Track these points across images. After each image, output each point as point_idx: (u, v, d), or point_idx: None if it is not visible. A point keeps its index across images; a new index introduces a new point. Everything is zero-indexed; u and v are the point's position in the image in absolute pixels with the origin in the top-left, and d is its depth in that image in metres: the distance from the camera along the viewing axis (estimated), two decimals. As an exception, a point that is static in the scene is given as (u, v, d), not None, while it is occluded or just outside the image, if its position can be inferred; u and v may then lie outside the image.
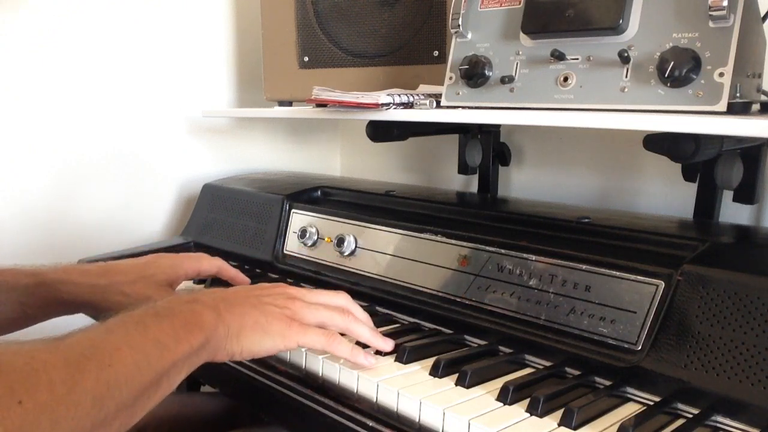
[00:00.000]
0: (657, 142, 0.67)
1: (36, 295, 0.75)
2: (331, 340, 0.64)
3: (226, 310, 0.59)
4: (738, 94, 0.61)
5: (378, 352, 0.69)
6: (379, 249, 0.87)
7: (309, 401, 0.64)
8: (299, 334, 0.63)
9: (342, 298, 0.71)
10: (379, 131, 0.96)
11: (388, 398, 0.61)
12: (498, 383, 0.61)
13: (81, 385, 0.44)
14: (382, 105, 0.81)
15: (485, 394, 0.60)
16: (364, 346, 0.68)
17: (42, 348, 0.45)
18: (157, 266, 0.81)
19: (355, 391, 0.64)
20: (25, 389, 0.40)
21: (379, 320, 0.78)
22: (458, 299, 0.76)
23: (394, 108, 0.82)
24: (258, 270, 1.02)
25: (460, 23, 0.78)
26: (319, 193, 1.08)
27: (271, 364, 0.71)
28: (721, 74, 0.61)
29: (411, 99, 0.84)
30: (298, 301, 0.66)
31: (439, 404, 0.57)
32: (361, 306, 0.73)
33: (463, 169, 1.15)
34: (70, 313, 0.79)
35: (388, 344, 0.69)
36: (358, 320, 0.68)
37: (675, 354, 0.58)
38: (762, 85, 0.70)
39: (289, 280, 0.96)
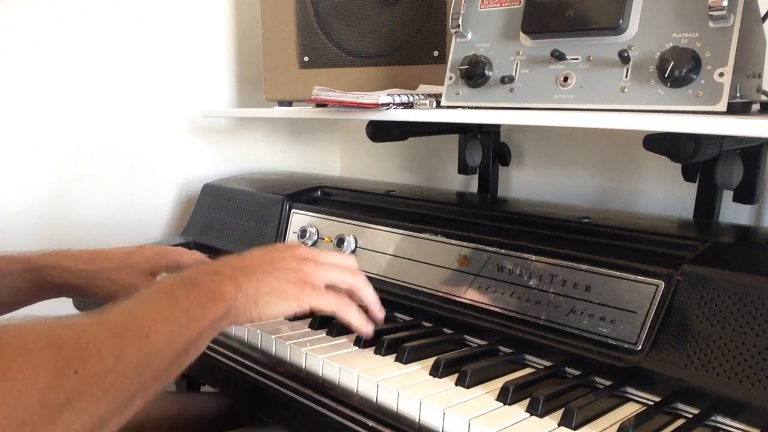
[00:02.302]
0: (657, 142, 0.67)
1: (28, 280, 0.78)
2: (342, 305, 0.68)
3: (243, 279, 0.63)
4: (738, 94, 0.61)
5: (378, 350, 0.69)
6: (379, 249, 0.87)
7: (309, 401, 0.64)
8: (312, 296, 0.66)
9: (351, 260, 0.74)
10: (379, 131, 0.96)
11: (388, 398, 0.61)
12: (498, 383, 0.61)
13: (125, 355, 0.47)
14: (382, 105, 0.81)
15: (485, 394, 0.60)
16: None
17: (89, 322, 0.48)
18: (140, 255, 0.85)
19: (355, 391, 0.64)
20: (79, 361, 0.44)
21: (379, 320, 0.78)
22: (458, 299, 0.76)
23: (394, 108, 0.82)
24: (258, 270, 1.02)
25: (460, 23, 0.78)
26: (319, 193, 1.08)
27: (271, 364, 0.71)
28: (721, 74, 0.61)
29: (411, 99, 0.84)
30: (310, 262, 0.69)
31: (439, 404, 0.57)
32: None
33: (463, 169, 1.15)
34: (57, 297, 0.82)
35: (381, 313, 0.73)
36: (366, 282, 0.72)
37: (675, 354, 0.58)
38: (762, 85, 0.70)
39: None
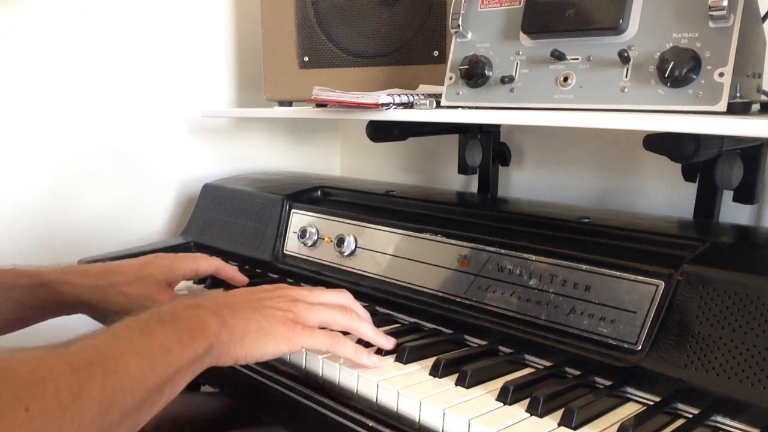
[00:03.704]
0: (657, 142, 0.67)
1: (36, 296, 0.75)
2: (335, 342, 0.65)
3: (229, 316, 0.59)
4: (738, 94, 0.61)
5: (378, 350, 0.69)
6: (379, 249, 0.87)
7: (309, 401, 0.64)
8: (303, 337, 0.63)
9: (343, 297, 0.71)
10: (379, 131, 0.96)
11: (388, 398, 0.61)
12: (498, 383, 0.61)
13: (87, 392, 0.43)
14: (382, 105, 0.81)
15: (485, 394, 0.60)
16: (367, 344, 0.69)
17: (48, 355, 0.45)
18: (155, 266, 0.82)
19: (355, 391, 0.64)
20: (31, 397, 0.40)
21: (379, 320, 0.78)
22: (458, 299, 0.76)
23: (394, 108, 0.82)
24: (258, 270, 1.02)
25: (460, 23, 0.78)
26: (319, 193, 1.08)
27: (271, 364, 0.70)
28: (721, 74, 0.61)
29: (411, 99, 0.84)
30: (300, 303, 0.66)
31: (439, 404, 0.57)
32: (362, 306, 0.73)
33: (463, 169, 1.15)
34: (68, 314, 0.79)
35: (389, 342, 0.69)
36: (360, 318, 0.69)
37: (675, 354, 0.58)
38: (762, 85, 0.70)
39: (289, 280, 0.96)
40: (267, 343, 0.61)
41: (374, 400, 0.62)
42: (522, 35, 0.74)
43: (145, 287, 0.78)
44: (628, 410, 0.59)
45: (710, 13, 0.61)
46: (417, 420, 0.58)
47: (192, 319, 0.56)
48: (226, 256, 1.04)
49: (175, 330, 0.54)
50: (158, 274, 0.81)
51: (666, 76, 0.63)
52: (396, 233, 0.86)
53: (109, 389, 0.45)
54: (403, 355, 0.67)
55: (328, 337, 0.64)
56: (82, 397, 0.43)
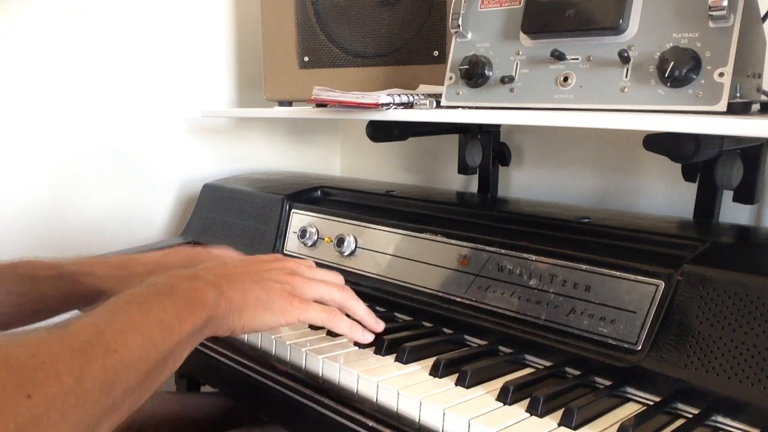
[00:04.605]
0: (657, 142, 0.67)
1: (57, 287, 0.75)
2: (332, 316, 0.66)
3: (227, 287, 0.59)
4: (738, 94, 0.61)
5: (378, 350, 0.69)
6: (379, 249, 0.87)
7: (309, 401, 0.64)
8: (300, 309, 0.63)
9: (338, 278, 0.71)
10: (379, 131, 0.96)
11: (388, 398, 0.61)
12: (498, 383, 0.61)
13: (88, 373, 0.43)
14: (382, 105, 0.81)
15: (485, 394, 0.60)
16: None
17: (47, 338, 0.44)
18: (175, 256, 0.81)
19: (355, 391, 0.64)
20: (32, 383, 0.40)
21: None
22: (458, 299, 0.76)
23: (394, 108, 0.82)
24: (258, 270, 1.02)
25: (460, 23, 0.79)
26: (319, 193, 1.08)
27: (271, 364, 0.71)
28: (721, 74, 0.61)
29: (411, 99, 0.84)
30: (298, 277, 0.66)
31: (439, 404, 0.57)
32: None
33: (463, 169, 1.15)
34: (89, 305, 0.78)
35: (379, 325, 0.70)
36: (355, 297, 0.70)
37: (675, 354, 0.58)
38: (762, 85, 0.70)
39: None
40: (264, 314, 0.61)
41: (374, 400, 0.62)
42: (522, 35, 0.74)
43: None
44: (628, 410, 0.59)
45: (710, 13, 0.61)
46: (417, 420, 0.58)
47: (190, 291, 0.55)
48: (226, 256, 1.04)
49: (174, 303, 0.53)
50: (179, 263, 0.80)
51: (666, 76, 0.63)
52: (396, 233, 0.86)
53: (111, 368, 0.45)
54: (403, 355, 0.67)
55: (324, 312, 0.65)
56: (84, 379, 0.43)
